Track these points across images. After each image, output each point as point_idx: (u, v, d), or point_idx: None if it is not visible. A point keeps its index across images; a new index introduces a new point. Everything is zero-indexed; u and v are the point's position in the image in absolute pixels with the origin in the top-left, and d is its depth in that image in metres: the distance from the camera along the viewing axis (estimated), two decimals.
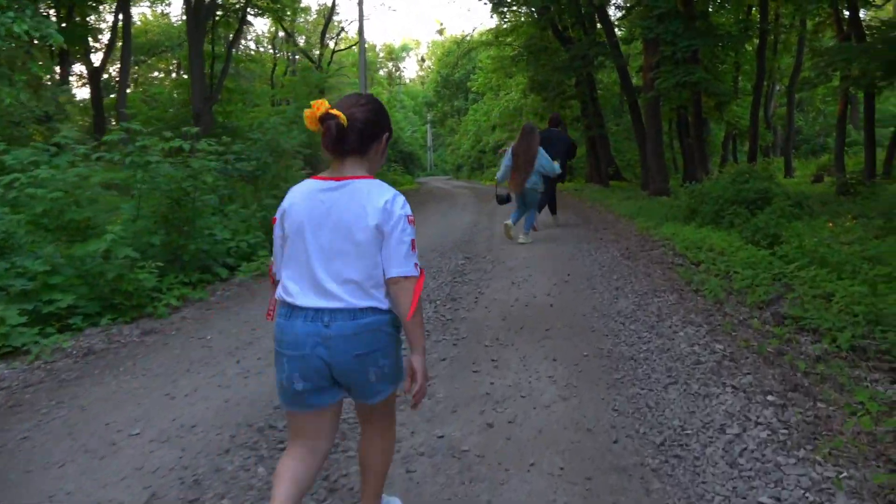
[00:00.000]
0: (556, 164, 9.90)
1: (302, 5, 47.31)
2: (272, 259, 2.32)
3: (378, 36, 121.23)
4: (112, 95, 38.39)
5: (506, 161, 9.74)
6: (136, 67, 43.90)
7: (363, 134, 2.14)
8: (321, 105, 2.08)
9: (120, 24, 27.13)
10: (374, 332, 2.11)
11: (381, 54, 74.11)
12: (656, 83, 16.06)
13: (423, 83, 74.76)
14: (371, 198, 2.11)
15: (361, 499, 2.43)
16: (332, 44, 48.99)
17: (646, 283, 6.60)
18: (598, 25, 20.91)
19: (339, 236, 2.09)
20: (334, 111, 2.08)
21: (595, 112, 22.99)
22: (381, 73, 73.62)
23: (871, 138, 14.92)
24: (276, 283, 2.26)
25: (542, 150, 9.48)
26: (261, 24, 75.84)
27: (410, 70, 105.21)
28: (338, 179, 2.14)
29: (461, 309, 5.96)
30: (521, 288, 6.62)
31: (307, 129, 2.19)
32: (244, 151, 9.38)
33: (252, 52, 53.93)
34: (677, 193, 15.20)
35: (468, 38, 43.11)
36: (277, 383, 2.19)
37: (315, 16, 50.64)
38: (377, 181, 2.18)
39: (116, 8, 25.10)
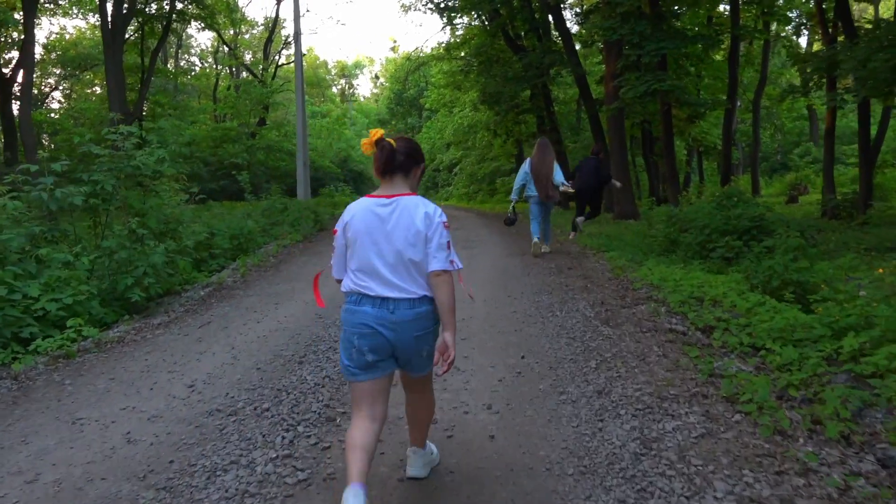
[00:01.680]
0: (563, 180, 9.98)
1: (246, 17, 44.67)
2: (331, 263, 2.76)
3: (330, 53, 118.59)
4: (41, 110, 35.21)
5: (518, 179, 10.04)
6: (65, 82, 40.62)
7: (407, 156, 2.68)
8: (377, 133, 2.66)
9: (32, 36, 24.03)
10: (427, 319, 2.62)
11: (334, 71, 71.53)
12: (621, 92, 13.82)
13: (377, 101, 72.35)
14: (417, 210, 2.61)
15: (411, 443, 3.02)
16: (279, 58, 46.34)
17: (643, 379, 4.14)
18: (554, 32, 18.71)
19: (395, 241, 2.57)
20: (387, 138, 2.65)
21: (552, 127, 20.75)
22: (334, 90, 71.00)
23: (867, 156, 12.88)
24: (319, 276, 3.13)
25: (556, 166, 9.84)
26: (204, 38, 72.78)
27: (364, 88, 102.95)
28: (389, 197, 2.64)
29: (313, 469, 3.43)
30: (449, 390, 4.11)
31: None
32: (75, 174, 6.65)
33: (197, 68, 51.04)
34: (648, 218, 12.91)
35: (420, 53, 40.96)
36: (346, 357, 2.63)
37: (261, 28, 47.90)
38: (420, 197, 2.69)
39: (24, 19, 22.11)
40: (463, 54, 24.03)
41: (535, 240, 9.96)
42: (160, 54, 45.41)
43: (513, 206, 10.37)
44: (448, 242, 2.61)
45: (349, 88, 74.71)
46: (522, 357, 4.73)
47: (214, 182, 31.78)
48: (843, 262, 7.63)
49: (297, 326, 5.88)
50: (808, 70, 13.20)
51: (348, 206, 2.73)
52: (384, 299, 2.56)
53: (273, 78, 38.77)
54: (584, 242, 11.51)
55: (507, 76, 19.20)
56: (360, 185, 41.45)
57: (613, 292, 7.05)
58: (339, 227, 2.70)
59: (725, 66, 19.78)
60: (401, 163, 2.65)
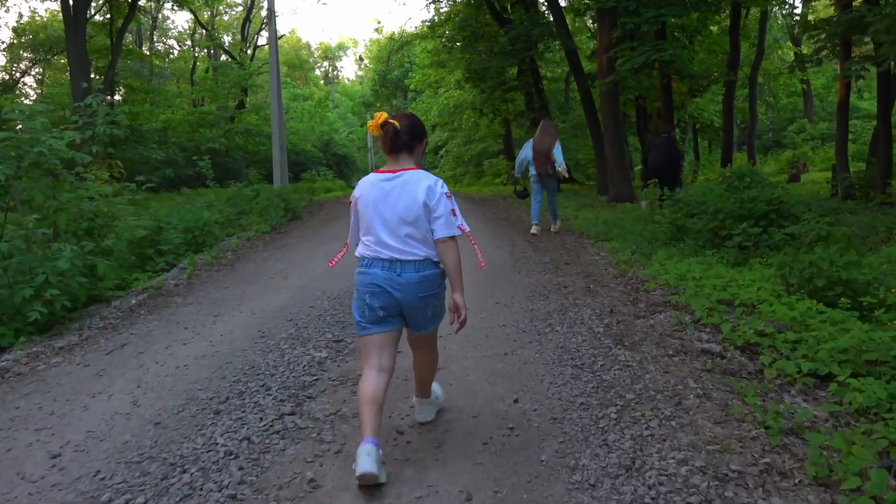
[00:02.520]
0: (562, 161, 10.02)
1: None
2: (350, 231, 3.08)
3: (313, 35, 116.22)
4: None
5: (520, 156, 10.27)
6: (37, 67, 38.76)
7: (411, 135, 2.89)
8: (381, 116, 2.86)
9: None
10: (431, 281, 2.87)
11: (317, 53, 69.67)
12: (617, 64, 12.53)
13: (361, 83, 70.59)
14: (420, 183, 2.84)
15: (415, 395, 3.30)
16: (259, 39, 44.65)
17: (685, 440, 2.90)
18: (542, 1, 17.36)
19: (398, 212, 2.81)
20: (391, 120, 2.85)
21: (541, 105, 19.43)
22: (317, 72, 69.19)
23: (887, 129, 11.67)
24: (347, 247, 3.19)
25: (558, 144, 9.93)
26: (182, 20, 70.61)
27: (349, 70, 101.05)
28: (394, 171, 2.88)
29: None
30: (413, 461, 2.88)
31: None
32: None
33: (176, 51, 49.18)
34: (651, 203, 11.69)
35: (403, 32, 39.39)
36: (359, 314, 2.92)
37: (241, 10, 46.09)
38: (423, 171, 2.91)
39: None
40: (447, 32, 22.63)
41: (533, 225, 10.10)
42: (135, 37, 43.73)
43: (517, 180, 10.65)
44: (453, 210, 2.84)
45: (333, 71, 72.88)
46: (515, 401, 3.50)
47: (191, 168, 30.27)
48: (891, 252, 6.41)
49: (230, 350, 4.62)
50: (822, 37, 11.97)
51: (360, 181, 3.00)
52: (392, 263, 2.81)
53: (251, 60, 37.12)
54: (580, 229, 10.28)
55: (492, 51, 17.83)
56: (343, 169, 40.03)
57: (622, 295, 5.83)
58: (352, 198, 2.99)
59: (722, 39, 18.53)
60: (405, 142, 2.88)
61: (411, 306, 2.86)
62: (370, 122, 2.90)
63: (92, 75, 26.10)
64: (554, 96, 26.76)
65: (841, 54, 12.15)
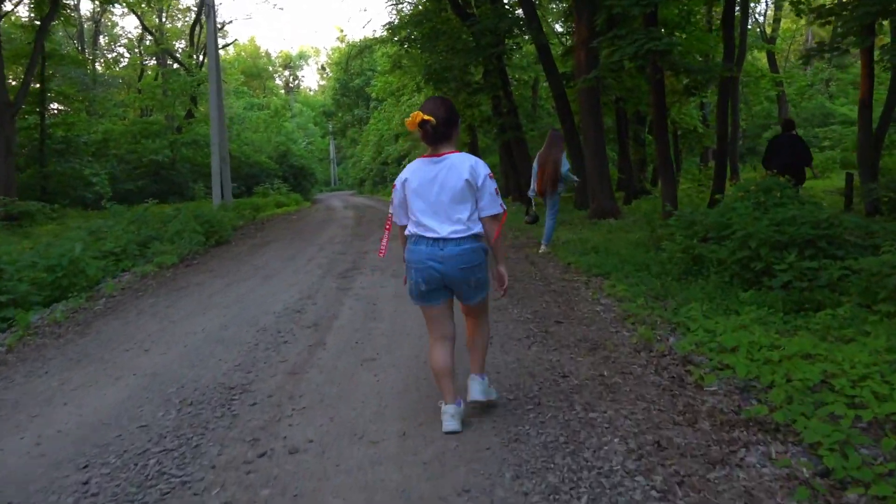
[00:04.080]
0: (570, 174, 8.85)
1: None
2: (390, 212, 3.26)
3: (273, 43, 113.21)
4: None
5: (533, 173, 8.95)
6: None
7: (447, 125, 3.07)
8: (417, 115, 3.02)
9: None
10: (472, 254, 3.06)
11: (277, 62, 66.87)
12: (602, 56, 10.30)
13: (324, 93, 68.01)
14: (464, 164, 3.05)
15: (471, 370, 3.34)
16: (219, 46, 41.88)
17: None
18: None
19: (444, 193, 3.03)
20: (427, 116, 3.01)
21: (509, 109, 17.17)
22: (278, 81, 66.43)
23: None
24: (389, 227, 3.36)
25: (564, 158, 8.72)
26: (131, 26, 67.16)
27: (311, 80, 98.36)
28: (439, 155, 3.08)
29: None
30: None
31: None
32: None
33: (126, 58, 46.07)
34: (641, 215, 9.45)
35: (367, 39, 36.91)
36: (411, 289, 3.21)
37: (193, 14, 43.25)
38: (465, 153, 3.14)
39: None
40: (406, 32, 20.30)
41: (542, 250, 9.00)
42: (78, 43, 40.61)
43: (530, 202, 9.24)
44: (496, 189, 3.11)
45: (294, 80, 70.10)
46: None
47: (132, 182, 27.43)
48: None
49: None
50: (841, 25, 9.92)
51: (407, 166, 3.20)
52: (436, 240, 3.04)
53: (200, 67, 34.34)
54: (566, 258, 7.97)
55: (454, 48, 15.53)
56: (301, 182, 37.27)
57: (662, 397, 3.47)
58: (398, 182, 3.18)
59: (705, 36, 16.45)
60: (443, 133, 3.08)
61: (453, 278, 3.07)
62: (407, 120, 3.08)
63: (11, 81, 23.21)
64: (521, 103, 24.56)
65: (863, 42, 10.12)
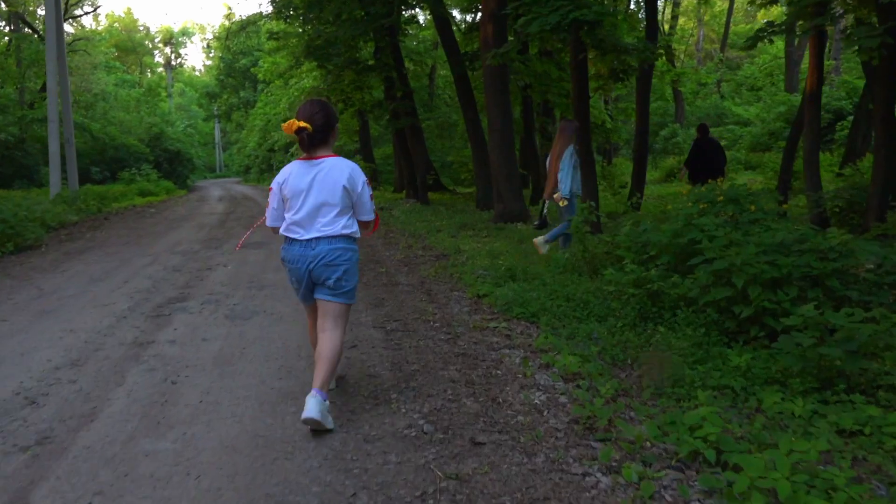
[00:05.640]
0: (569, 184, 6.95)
1: None
2: (265, 214, 3.25)
3: (154, 17, 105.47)
4: None
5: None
6: None
7: (323, 131, 3.07)
8: (293, 123, 3.01)
9: None
10: (340, 252, 3.09)
11: (158, 38, 61.31)
12: (518, 24, 8.19)
13: (209, 73, 63.06)
14: (342, 170, 3.08)
15: (313, 383, 3.01)
16: (80, 12, 37.09)
17: None
18: None
19: (322, 195, 3.05)
20: (302, 124, 2.99)
21: (404, 93, 14.84)
22: (158, 58, 60.93)
23: (890, 131, 8.11)
24: (257, 225, 3.59)
25: (565, 158, 6.92)
26: None
27: (196, 59, 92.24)
28: (316, 158, 3.08)
29: None
30: None
31: None
32: None
33: None
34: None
35: (251, 14, 33.41)
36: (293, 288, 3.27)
37: None
38: (340, 158, 3.15)
39: None
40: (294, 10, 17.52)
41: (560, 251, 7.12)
42: None
43: (545, 205, 7.71)
44: (371, 195, 3.21)
45: (176, 58, 64.58)
46: None
47: None
48: None
49: None
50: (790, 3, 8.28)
51: (284, 168, 3.17)
52: (308, 241, 3.07)
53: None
54: (475, 288, 5.80)
55: (340, 16, 13.01)
56: (176, 167, 33.35)
57: None
58: (274, 184, 3.16)
59: (621, 24, 14.77)
60: (320, 138, 3.08)
61: (317, 273, 3.09)
62: (283, 126, 3.04)
63: None
64: (417, 92, 22.29)
65: (811, 24, 8.51)
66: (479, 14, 14.63)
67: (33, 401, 3.42)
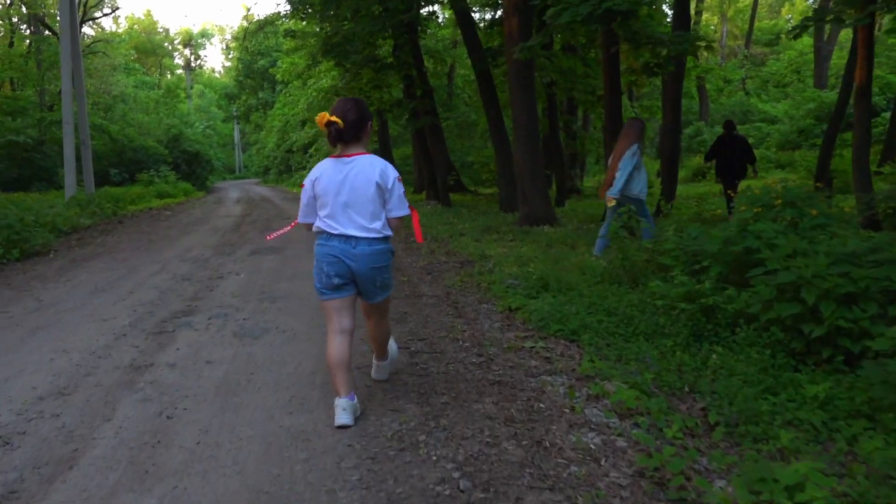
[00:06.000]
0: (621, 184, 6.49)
1: None
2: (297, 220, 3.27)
3: (174, 19, 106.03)
4: None
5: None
6: None
7: (355, 127, 3.05)
8: (324, 116, 3.00)
9: None
10: (381, 255, 3.10)
11: (177, 40, 61.40)
12: (547, 16, 7.66)
13: (228, 74, 63.05)
14: (374, 167, 3.05)
15: (374, 358, 3.55)
16: (99, 14, 37.05)
17: None
18: None
19: (354, 193, 3.02)
20: (334, 118, 2.99)
21: (424, 91, 14.35)
22: (177, 60, 61.05)
23: None
24: (294, 226, 3.41)
25: (626, 157, 6.45)
26: None
27: (215, 60, 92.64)
28: (349, 156, 3.07)
29: None
30: None
31: None
32: None
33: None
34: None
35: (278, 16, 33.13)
36: (318, 282, 3.12)
37: None
38: (373, 156, 3.12)
39: None
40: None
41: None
42: None
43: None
44: (403, 192, 3.13)
45: (195, 59, 64.64)
46: None
47: None
48: None
49: None
50: None
51: (317, 165, 3.16)
52: (348, 237, 3.04)
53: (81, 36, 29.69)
54: (506, 300, 5.29)
55: (358, 12, 12.55)
56: (195, 169, 33.10)
57: None
58: (307, 182, 3.14)
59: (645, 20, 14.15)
60: (351, 135, 3.06)
61: (363, 275, 3.08)
62: (317, 118, 3.03)
63: None
64: (436, 90, 21.81)
65: (862, 13, 7.91)
66: (501, 9, 14.12)
67: (7, 441, 2.96)
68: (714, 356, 3.92)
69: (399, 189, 3.11)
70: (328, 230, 3.06)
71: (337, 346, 3.09)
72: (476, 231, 9.79)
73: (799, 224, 4.88)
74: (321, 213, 3.10)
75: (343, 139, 3.05)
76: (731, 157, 9.83)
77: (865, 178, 8.42)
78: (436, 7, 15.24)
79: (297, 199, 24.17)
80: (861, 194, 8.32)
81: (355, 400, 3.08)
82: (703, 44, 8.27)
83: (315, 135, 32.67)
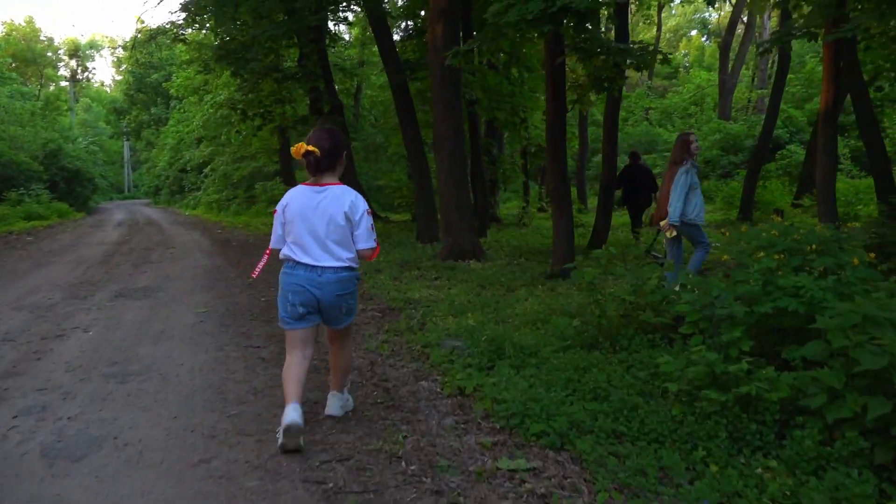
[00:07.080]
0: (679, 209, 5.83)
1: None
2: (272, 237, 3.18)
3: (60, 28, 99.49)
4: None
5: None
6: None
7: (331, 157, 3.07)
8: (301, 146, 3.02)
9: None
10: (347, 283, 3.09)
11: (63, 50, 56.74)
12: (489, 13, 6.37)
13: (119, 88, 58.83)
14: (344, 198, 3.05)
15: (331, 388, 3.36)
16: None
17: None
18: None
19: (324, 222, 3.01)
20: (311, 147, 3.00)
21: (333, 107, 12.77)
22: (63, 71, 56.40)
23: None
24: (269, 253, 3.22)
25: (679, 178, 5.81)
26: None
27: (105, 73, 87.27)
28: (321, 185, 3.08)
29: None
30: None
31: None
32: None
33: None
34: (589, 283, 5.64)
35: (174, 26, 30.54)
36: (283, 311, 3.10)
37: None
38: (345, 186, 3.12)
39: None
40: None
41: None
42: None
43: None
44: (371, 225, 3.14)
45: (83, 71, 59.93)
46: None
47: None
48: None
49: None
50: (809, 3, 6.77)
51: (288, 192, 3.17)
52: (314, 266, 3.02)
53: None
54: (455, 378, 3.84)
55: (259, 14, 10.86)
56: (74, 188, 29.81)
57: None
58: (279, 208, 3.12)
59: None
60: (327, 165, 3.07)
61: (328, 303, 3.07)
62: (292, 149, 3.07)
63: None
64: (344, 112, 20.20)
65: (829, 33, 7.11)
66: (418, 20, 12.83)
67: None
68: (770, 477, 2.66)
69: (367, 222, 3.11)
70: (294, 257, 3.06)
71: (296, 366, 3.08)
72: (393, 267, 8.33)
73: (840, 277, 3.70)
74: (288, 240, 3.10)
75: (320, 169, 3.07)
76: (637, 187, 10.01)
77: (831, 210, 7.58)
78: (348, 14, 13.74)
79: (187, 222, 21.73)
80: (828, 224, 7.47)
81: (299, 407, 2.95)
82: (660, 56, 7.19)
83: (211, 154, 30.24)
